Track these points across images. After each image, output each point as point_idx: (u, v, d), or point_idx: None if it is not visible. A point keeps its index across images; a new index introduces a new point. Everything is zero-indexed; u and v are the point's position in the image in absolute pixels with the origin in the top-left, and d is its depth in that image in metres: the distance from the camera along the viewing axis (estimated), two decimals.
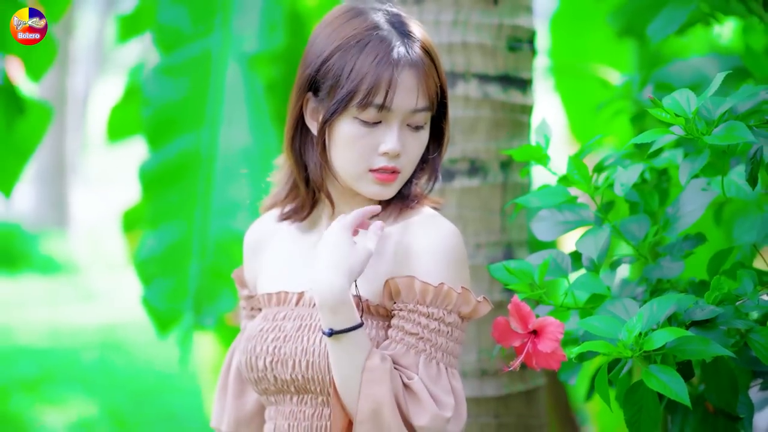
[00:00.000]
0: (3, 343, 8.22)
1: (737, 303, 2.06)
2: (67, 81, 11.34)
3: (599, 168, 2.31)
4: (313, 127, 2.00)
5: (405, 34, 1.95)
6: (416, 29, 1.98)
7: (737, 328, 2.05)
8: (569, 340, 2.23)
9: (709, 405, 2.26)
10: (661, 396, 2.30)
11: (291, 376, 1.96)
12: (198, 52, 3.85)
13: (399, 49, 1.92)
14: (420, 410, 1.88)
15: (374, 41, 1.92)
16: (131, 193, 4.73)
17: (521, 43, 2.70)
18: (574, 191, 2.27)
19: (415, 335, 1.93)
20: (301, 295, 2.01)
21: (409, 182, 2.04)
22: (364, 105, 1.91)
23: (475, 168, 2.65)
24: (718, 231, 2.76)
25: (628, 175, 2.24)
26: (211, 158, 3.79)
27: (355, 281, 1.93)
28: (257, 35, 3.85)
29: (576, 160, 2.19)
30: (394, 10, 2.01)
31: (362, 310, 1.95)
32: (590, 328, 1.94)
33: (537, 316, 1.98)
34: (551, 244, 2.58)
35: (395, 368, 1.90)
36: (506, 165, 2.67)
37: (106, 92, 17.57)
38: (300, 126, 2.02)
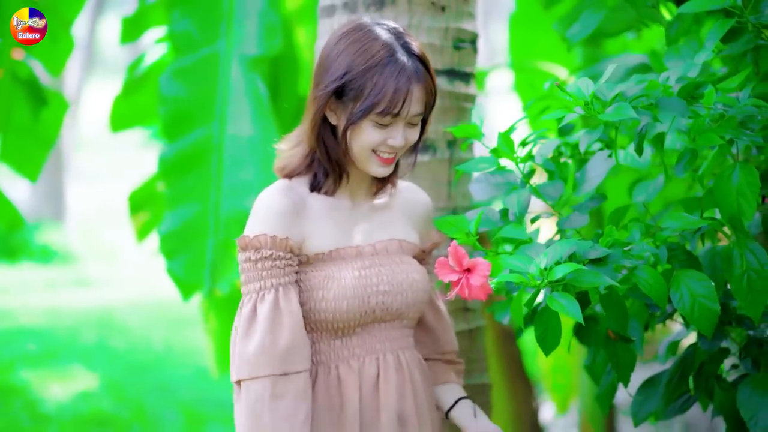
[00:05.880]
0: (5, 325, 8.53)
1: (626, 248, 2.50)
2: (61, 80, 11.68)
3: (524, 143, 2.76)
4: (332, 118, 2.48)
5: (411, 53, 2.45)
6: (416, 47, 2.48)
7: (627, 266, 2.48)
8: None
9: (611, 333, 2.78)
10: (579, 334, 2.86)
11: (401, 304, 2.53)
12: (206, 55, 4.34)
13: (410, 69, 2.43)
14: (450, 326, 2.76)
15: (392, 63, 2.41)
16: (122, 187, 5.20)
17: (465, 43, 3.15)
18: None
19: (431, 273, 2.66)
20: (372, 246, 2.55)
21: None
22: (384, 113, 2.41)
23: (426, 146, 3.09)
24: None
25: (545, 148, 2.80)
26: (221, 147, 4.26)
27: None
28: (256, 39, 4.33)
29: (505, 136, 2.69)
30: (395, 26, 2.51)
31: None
32: (508, 264, 2.39)
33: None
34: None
35: None
36: (452, 144, 3.12)
37: (97, 91, 17.97)
38: (323, 119, 2.51)
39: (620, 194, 3.04)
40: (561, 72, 4.95)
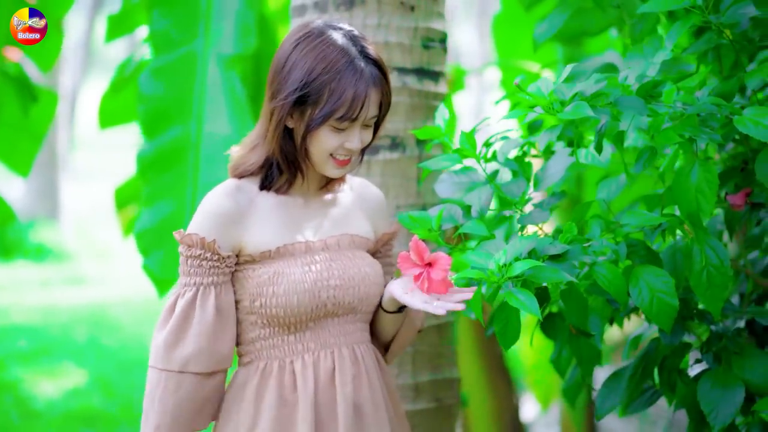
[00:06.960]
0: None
1: (586, 245, 2.54)
2: (56, 78, 11.73)
3: (487, 143, 2.79)
4: (289, 122, 2.50)
5: (367, 57, 2.48)
6: (372, 51, 2.51)
7: (587, 262, 2.51)
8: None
9: (572, 328, 2.82)
10: (544, 328, 2.89)
11: (353, 298, 2.55)
12: (184, 54, 4.37)
13: (367, 74, 2.46)
14: None
15: (350, 70, 2.44)
16: (117, 183, 5.24)
17: (434, 42, 3.19)
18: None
19: (393, 266, 2.74)
20: (323, 241, 2.57)
21: None
22: (343, 119, 2.45)
23: (395, 144, 3.14)
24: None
25: (507, 148, 2.83)
26: (198, 145, 4.29)
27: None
28: (233, 38, 4.39)
29: (468, 136, 2.73)
30: (351, 29, 2.52)
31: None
32: (469, 261, 2.44)
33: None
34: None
35: None
36: (421, 141, 3.15)
37: (94, 90, 18.04)
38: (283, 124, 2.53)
39: (594, 190, 3.08)
40: (544, 70, 4.99)
